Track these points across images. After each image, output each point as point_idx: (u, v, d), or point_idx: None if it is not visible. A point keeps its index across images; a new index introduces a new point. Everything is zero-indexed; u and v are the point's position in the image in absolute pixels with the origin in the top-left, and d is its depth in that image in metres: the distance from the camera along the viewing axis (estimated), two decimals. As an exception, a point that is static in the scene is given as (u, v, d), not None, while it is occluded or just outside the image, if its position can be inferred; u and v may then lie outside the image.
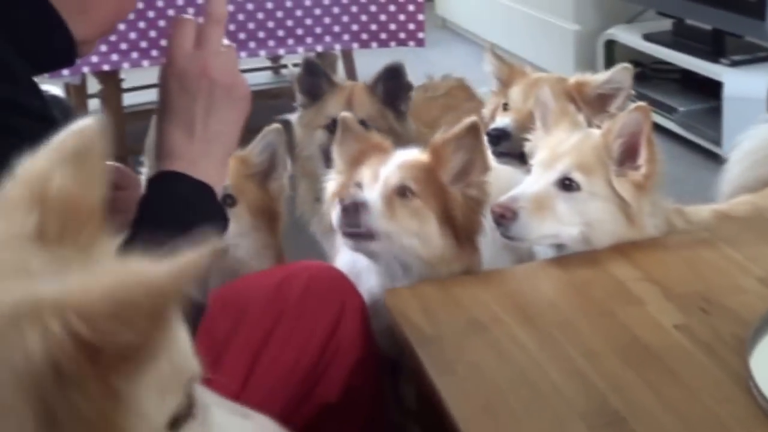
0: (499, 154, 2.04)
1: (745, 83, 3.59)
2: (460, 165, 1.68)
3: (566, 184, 1.61)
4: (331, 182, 1.81)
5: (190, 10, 3.61)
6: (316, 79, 2.51)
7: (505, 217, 1.57)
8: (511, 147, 2.03)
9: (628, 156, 1.62)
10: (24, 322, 0.58)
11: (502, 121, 2.10)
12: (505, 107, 2.17)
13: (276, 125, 1.93)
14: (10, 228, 0.67)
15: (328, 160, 2.11)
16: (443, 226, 1.65)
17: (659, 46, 4.10)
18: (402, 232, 1.62)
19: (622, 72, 2.11)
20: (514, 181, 1.85)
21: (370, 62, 2.81)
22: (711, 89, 3.79)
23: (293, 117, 2.55)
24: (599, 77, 2.13)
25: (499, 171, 1.99)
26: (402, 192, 1.64)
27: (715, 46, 3.84)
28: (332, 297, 1.57)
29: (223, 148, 1.25)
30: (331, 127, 2.37)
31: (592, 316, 1.46)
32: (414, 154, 1.71)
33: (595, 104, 2.09)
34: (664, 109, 4.05)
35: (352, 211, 1.59)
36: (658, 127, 4.07)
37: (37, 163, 0.70)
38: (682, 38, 4.04)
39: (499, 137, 2.05)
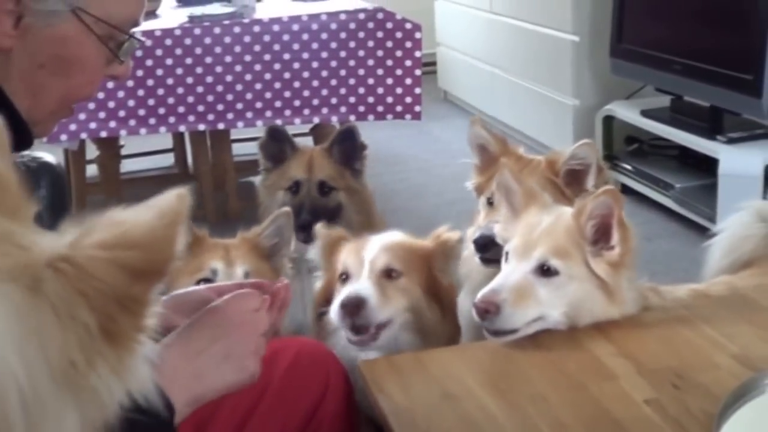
0: (486, 261, 2.01)
1: (740, 161, 3.61)
2: None
3: (544, 270, 1.61)
4: (317, 281, 1.91)
5: (189, 79, 3.67)
6: (279, 144, 2.69)
7: (489, 312, 1.57)
8: (498, 254, 1.94)
9: (601, 237, 1.63)
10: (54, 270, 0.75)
11: (488, 228, 2.00)
12: (490, 201, 2.12)
13: (286, 209, 2.08)
14: None
15: (298, 226, 2.32)
16: (429, 298, 1.77)
17: (657, 123, 4.13)
18: (396, 312, 1.75)
19: (585, 147, 2.09)
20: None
21: (370, 134, 2.87)
22: (707, 166, 3.82)
23: (256, 180, 2.77)
24: (564, 154, 2.11)
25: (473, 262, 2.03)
26: (388, 274, 1.75)
27: (712, 124, 3.87)
28: (316, 375, 1.58)
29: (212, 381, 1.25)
30: (294, 188, 2.64)
31: (564, 390, 1.45)
32: (394, 236, 1.84)
33: (571, 182, 2.08)
34: (661, 186, 4.07)
35: (352, 308, 1.69)
36: (654, 203, 4.10)
37: None
38: (679, 115, 4.08)
39: (485, 245, 2.00)
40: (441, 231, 1.87)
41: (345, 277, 1.80)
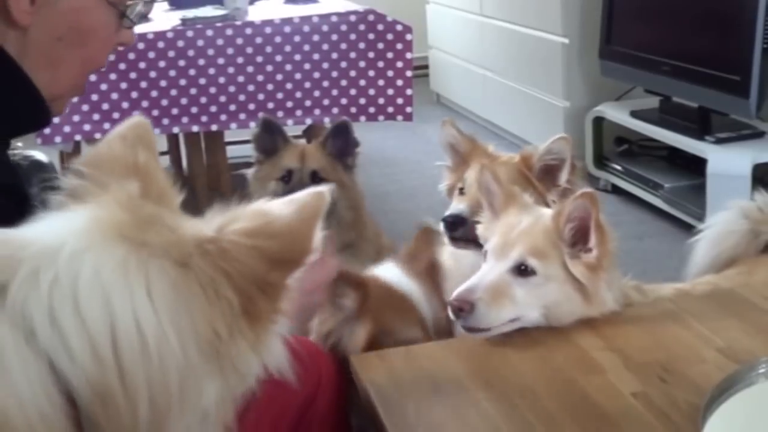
0: (455, 240, 2.03)
1: (729, 160, 3.64)
2: None
3: (522, 270, 1.62)
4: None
5: (182, 81, 3.69)
6: (272, 137, 2.72)
7: (463, 310, 1.59)
8: (467, 233, 2.00)
9: (579, 239, 1.64)
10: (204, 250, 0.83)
11: (457, 207, 2.07)
12: (462, 191, 2.15)
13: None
14: (127, 190, 0.86)
15: None
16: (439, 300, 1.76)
17: (646, 123, 4.17)
18: None
19: (560, 142, 2.09)
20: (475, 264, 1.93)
21: (363, 136, 2.89)
22: (696, 166, 3.85)
23: (248, 172, 2.79)
24: (540, 149, 2.12)
25: (460, 255, 2.04)
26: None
27: (700, 124, 3.91)
28: (308, 373, 1.59)
29: None
30: (286, 178, 2.69)
31: (552, 383, 1.47)
32: (389, 269, 1.80)
33: (544, 178, 2.09)
34: (651, 186, 4.11)
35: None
36: (644, 203, 4.13)
37: (113, 146, 0.92)
38: (668, 116, 4.11)
39: (455, 223, 2.03)
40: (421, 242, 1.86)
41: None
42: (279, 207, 0.88)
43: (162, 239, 0.83)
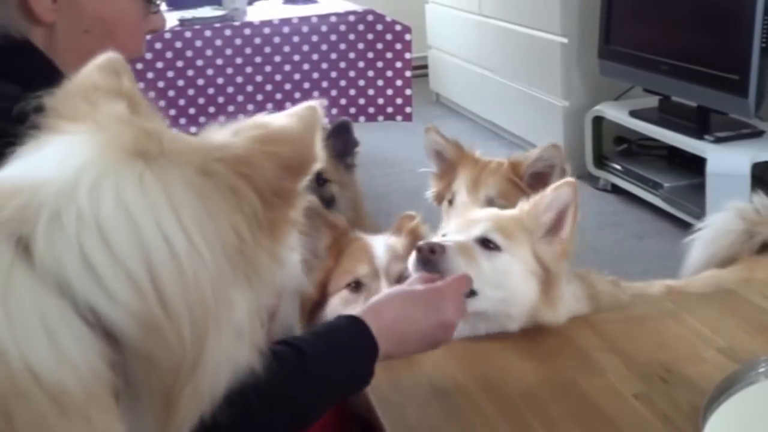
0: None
1: (728, 159, 3.64)
2: None
3: (486, 243, 1.58)
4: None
5: (180, 82, 3.69)
6: None
7: (434, 252, 1.51)
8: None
9: (553, 227, 1.63)
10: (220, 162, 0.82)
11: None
12: (451, 202, 2.12)
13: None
14: (120, 108, 0.86)
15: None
16: None
17: (645, 123, 4.17)
18: None
19: (551, 149, 2.08)
20: None
21: (362, 137, 2.89)
22: (695, 165, 3.85)
23: None
24: (530, 156, 2.10)
25: None
26: (401, 281, 1.67)
27: (699, 123, 3.91)
28: None
29: (403, 349, 1.38)
30: None
31: (553, 385, 1.47)
32: (392, 240, 1.78)
33: (534, 184, 2.05)
34: (650, 185, 4.11)
35: None
36: (643, 202, 4.13)
37: (92, 75, 0.92)
38: (667, 115, 4.11)
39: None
40: (404, 222, 1.82)
41: (356, 286, 1.72)
42: (279, 118, 0.89)
43: (178, 148, 0.83)
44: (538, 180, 2.08)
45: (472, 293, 1.53)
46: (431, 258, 1.51)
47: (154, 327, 0.75)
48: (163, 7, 4.31)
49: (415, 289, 1.40)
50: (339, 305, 1.70)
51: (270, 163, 0.84)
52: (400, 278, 1.68)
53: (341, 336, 1.29)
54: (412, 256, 1.54)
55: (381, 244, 1.76)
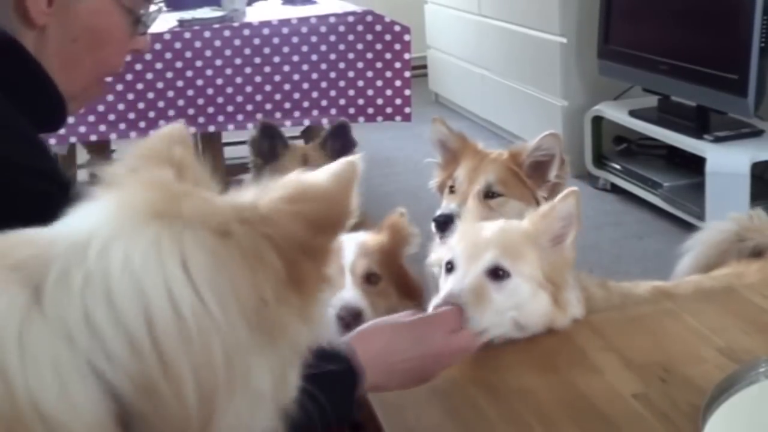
0: (445, 239, 2.03)
1: (727, 159, 3.64)
2: None
3: (496, 274, 1.57)
4: None
5: (179, 83, 3.68)
6: (271, 141, 2.70)
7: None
8: None
9: (560, 236, 1.64)
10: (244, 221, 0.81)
11: (448, 206, 2.08)
12: (452, 189, 2.16)
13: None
14: (158, 174, 0.86)
15: None
16: (402, 299, 1.73)
17: (645, 122, 4.17)
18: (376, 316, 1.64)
19: (550, 138, 2.11)
20: None
21: (362, 137, 2.89)
22: (695, 165, 3.85)
23: (247, 177, 2.78)
24: (529, 145, 2.13)
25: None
26: (369, 279, 1.69)
27: (699, 123, 3.91)
28: None
29: (391, 380, 1.36)
30: None
31: (552, 385, 1.47)
32: (365, 237, 1.77)
33: (533, 174, 2.11)
34: (650, 185, 4.11)
35: (350, 320, 1.61)
36: (643, 202, 4.13)
37: (151, 142, 0.94)
38: (666, 115, 4.12)
39: (446, 223, 2.01)
40: (393, 221, 1.82)
41: None
42: (314, 175, 0.87)
43: (198, 209, 0.81)
44: (537, 169, 2.11)
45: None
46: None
47: (151, 388, 0.74)
48: (163, 7, 4.32)
49: (404, 320, 1.40)
50: None
51: (296, 222, 0.82)
52: (368, 275, 1.68)
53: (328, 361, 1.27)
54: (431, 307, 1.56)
55: (352, 242, 1.76)
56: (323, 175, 0.87)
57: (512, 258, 1.58)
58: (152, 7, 1.55)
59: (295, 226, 0.82)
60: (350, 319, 1.60)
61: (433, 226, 2.03)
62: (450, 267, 1.62)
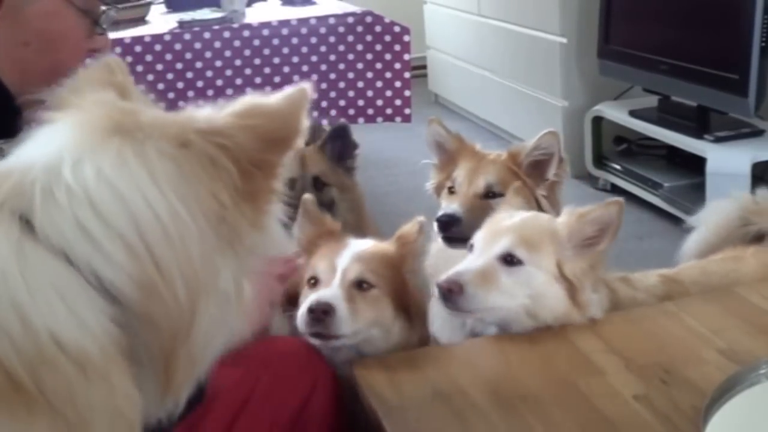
0: (448, 240, 2.03)
1: (728, 159, 3.64)
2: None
3: (508, 260, 1.63)
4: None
5: (180, 84, 3.68)
6: None
7: (452, 292, 1.58)
8: (460, 232, 2.00)
9: (591, 241, 1.66)
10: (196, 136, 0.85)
11: (451, 206, 2.07)
12: (451, 190, 2.15)
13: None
14: (105, 94, 0.90)
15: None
16: (397, 309, 1.71)
17: (645, 123, 4.16)
18: (363, 326, 1.66)
19: (549, 137, 2.11)
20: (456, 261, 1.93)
21: (361, 138, 2.89)
22: (695, 165, 3.84)
23: None
24: (528, 145, 2.13)
25: (449, 253, 2.03)
26: (359, 285, 1.68)
27: (699, 123, 3.90)
28: (304, 375, 1.59)
29: None
30: (289, 186, 2.56)
31: (554, 387, 1.47)
32: (367, 244, 1.78)
33: (532, 173, 2.11)
34: (649, 185, 4.10)
35: (319, 314, 1.61)
36: (643, 202, 4.13)
37: (90, 70, 0.97)
38: (667, 115, 4.11)
39: (448, 223, 2.03)
40: (404, 232, 1.82)
41: (314, 282, 1.71)
42: (266, 96, 0.94)
43: (154, 122, 0.86)
44: (536, 168, 2.11)
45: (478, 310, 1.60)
46: (450, 296, 1.58)
47: (151, 287, 0.79)
48: (162, 9, 4.32)
49: None
50: (302, 299, 1.69)
51: (248, 135, 0.87)
52: (359, 281, 1.67)
53: None
54: (434, 286, 1.60)
55: (352, 247, 1.76)
56: (276, 96, 0.93)
57: (528, 248, 1.63)
58: (106, 7, 1.53)
59: (247, 139, 0.87)
60: (319, 313, 1.60)
61: (435, 226, 2.02)
62: (471, 248, 1.70)
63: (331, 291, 1.64)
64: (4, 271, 0.74)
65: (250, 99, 0.92)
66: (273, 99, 0.93)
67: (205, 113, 0.89)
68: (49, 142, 0.84)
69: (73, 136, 0.83)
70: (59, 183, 0.79)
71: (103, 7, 1.50)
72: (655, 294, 1.76)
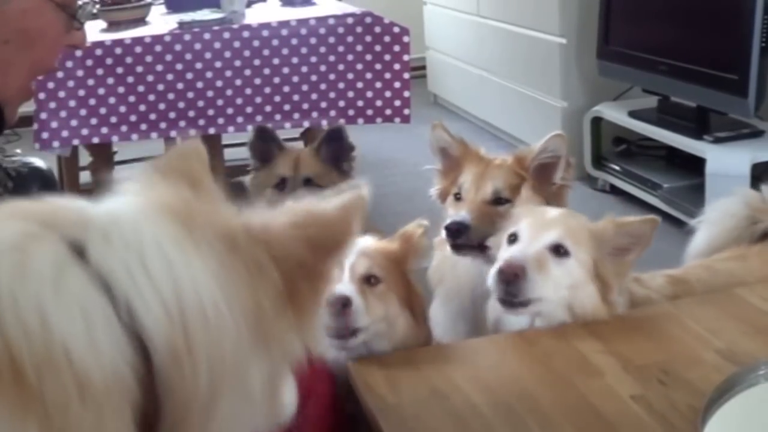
0: (457, 248, 2.01)
1: (727, 160, 3.63)
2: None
3: (557, 249, 1.65)
4: None
5: (179, 85, 3.68)
6: (267, 144, 2.73)
7: (518, 276, 1.59)
8: (469, 240, 1.99)
9: (623, 250, 1.70)
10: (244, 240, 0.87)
11: (459, 214, 2.03)
12: (457, 197, 2.12)
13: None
14: (182, 191, 0.92)
15: None
16: (401, 305, 1.71)
17: (644, 123, 4.16)
18: (374, 320, 1.67)
19: (555, 139, 2.07)
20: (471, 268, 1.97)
21: (360, 138, 2.89)
22: (695, 166, 3.84)
23: (246, 179, 2.82)
24: (534, 148, 2.10)
25: (456, 259, 2.04)
26: (368, 280, 1.69)
27: (699, 124, 3.90)
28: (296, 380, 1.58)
29: None
30: (280, 186, 2.69)
31: (551, 387, 1.47)
32: (371, 241, 1.77)
33: (539, 176, 2.07)
34: (649, 186, 4.10)
35: (338, 307, 1.61)
36: (642, 203, 4.12)
37: (168, 157, 1.00)
38: (666, 115, 4.11)
39: (458, 231, 2.00)
40: (407, 230, 1.81)
41: None
42: (321, 202, 0.94)
43: (210, 223, 0.88)
44: (543, 171, 2.07)
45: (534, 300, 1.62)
46: (513, 280, 1.59)
47: (176, 355, 0.79)
48: (162, 9, 4.31)
49: None
50: None
51: (300, 245, 0.88)
52: (368, 276, 1.68)
53: None
54: (493, 272, 1.61)
55: (356, 244, 1.75)
56: (331, 203, 0.93)
57: (574, 241, 1.66)
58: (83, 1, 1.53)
59: (298, 249, 0.88)
60: (339, 306, 1.61)
61: (443, 234, 2.00)
62: (513, 239, 1.70)
63: (344, 285, 1.66)
64: (40, 278, 0.76)
65: (307, 207, 0.93)
66: (329, 207, 0.93)
67: (261, 217, 0.91)
68: (113, 203, 0.87)
69: (138, 205, 0.86)
70: (118, 230, 0.82)
71: (81, 2, 1.50)
72: (665, 294, 1.77)
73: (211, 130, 3.83)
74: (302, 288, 0.89)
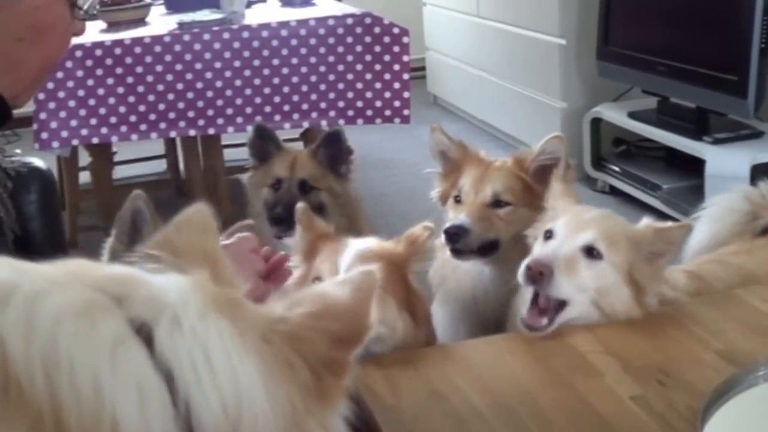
0: (457, 252, 2.01)
1: (727, 161, 3.64)
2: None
3: (590, 252, 1.65)
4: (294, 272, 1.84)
5: (179, 85, 3.68)
6: (265, 143, 2.75)
7: (543, 275, 1.59)
8: (469, 243, 1.99)
9: (658, 254, 1.70)
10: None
11: (459, 218, 2.03)
12: (457, 200, 2.11)
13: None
14: (201, 278, 0.90)
15: (272, 218, 2.57)
16: (400, 309, 1.69)
17: (644, 124, 4.16)
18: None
19: (554, 141, 2.06)
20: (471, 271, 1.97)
21: (360, 139, 2.89)
22: (694, 167, 3.84)
23: (244, 177, 2.83)
24: (534, 150, 2.09)
25: (456, 262, 2.04)
26: None
27: (698, 125, 3.90)
28: None
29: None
30: (276, 186, 2.69)
31: (550, 388, 1.47)
32: (368, 243, 1.76)
33: (539, 178, 2.05)
34: (649, 187, 4.10)
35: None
36: (642, 204, 4.13)
37: (183, 232, 1.00)
38: (666, 116, 4.11)
39: (457, 234, 1.99)
40: (412, 232, 1.80)
41: (318, 281, 1.70)
42: (335, 289, 0.94)
43: (248, 316, 0.88)
44: (542, 173, 2.05)
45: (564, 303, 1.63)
46: (539, 278, 1.60)
47: None
48: (162, 10, 4.31)
49: None
50: None
51: (320, 337, 0.88)
52: None
53: None
54: (522, 269, 1.61)
55: (352, 247, 1.75)
56: (344, 289, 0.93)
57: (608, 244, 1.66)
58: None
59: (319, 341, 0.88)
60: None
61: (443, 237, 2.00)
62: (549, 235, 1.71)
63: None
64: (101, 349, 0.76)
65: (321, 296, 0.93)
66: (343, 294, 0.93)
67: (281, 311, 0.91)
68: (178, 284, 0.87)
69: (198, 293, 0.86)
70: (186, 320, 0.82)
71: None
72: (688, 292, 1.77)
73: (211, 131, 3.83)
74: (326, 379, 0.89)
